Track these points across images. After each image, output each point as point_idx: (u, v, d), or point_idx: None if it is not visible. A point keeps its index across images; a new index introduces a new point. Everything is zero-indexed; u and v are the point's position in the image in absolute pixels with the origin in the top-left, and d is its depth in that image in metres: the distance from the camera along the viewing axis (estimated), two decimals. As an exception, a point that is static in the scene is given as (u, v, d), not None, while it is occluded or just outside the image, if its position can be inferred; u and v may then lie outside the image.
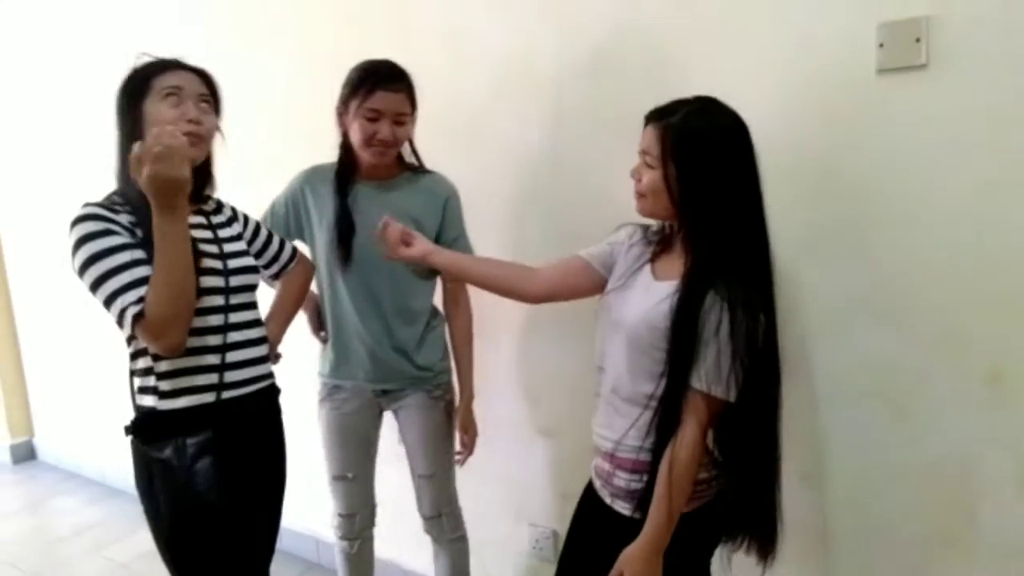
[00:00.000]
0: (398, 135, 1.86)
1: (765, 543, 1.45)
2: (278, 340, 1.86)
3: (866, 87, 1.57)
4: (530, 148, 2.10)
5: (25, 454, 4.41)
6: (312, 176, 2.01)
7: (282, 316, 1.89)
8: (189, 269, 1.43)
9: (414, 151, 2.01)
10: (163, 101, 1.50)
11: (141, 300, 1.40)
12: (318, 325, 2.10)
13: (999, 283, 1.51)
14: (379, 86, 1.81)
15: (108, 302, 1.42)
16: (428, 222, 1.96)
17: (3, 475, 4.25)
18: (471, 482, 2.42)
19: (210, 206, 1.69)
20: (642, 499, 1.41)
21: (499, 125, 2.15)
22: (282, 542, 3.00)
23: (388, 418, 2.15)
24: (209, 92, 1.59)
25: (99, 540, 3.33)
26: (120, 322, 1.42)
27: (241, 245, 1.69)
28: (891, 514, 1.70)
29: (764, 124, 1.66)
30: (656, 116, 1.37)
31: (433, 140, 2.04)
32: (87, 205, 1.47)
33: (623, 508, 1.46)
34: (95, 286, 1.42)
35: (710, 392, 1.32)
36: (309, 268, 1.95)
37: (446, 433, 2.12)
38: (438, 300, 2.13)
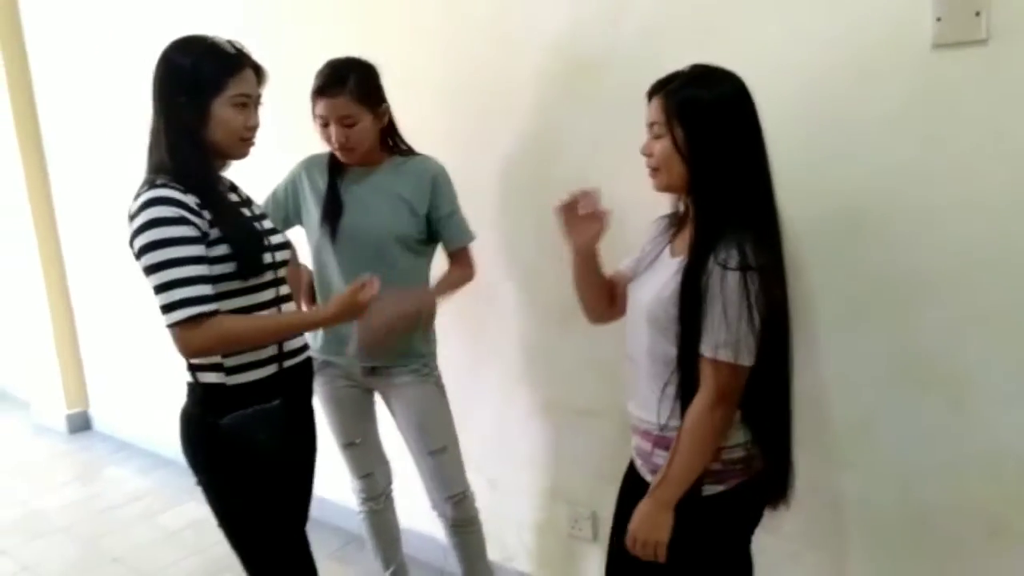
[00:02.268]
0: (350, 136, 1.90)
1: (777, 490, 1.46)
2: None
3: (921, 63, 1.52)
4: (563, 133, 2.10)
5: (80, 424, 4.55)
6: (309, 163, 2.10)
7: (297, 289, 1.98)
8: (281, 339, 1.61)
9: (395, 138, 2.05)
10: (233, 107, 1.54)
11: (190, 302, 1.44)
12: (311, 299, 2.15)
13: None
14: (319, 94, 1.88)
15: (161, 289, 1.45)
16: (418, 201, 2.00)
17: (59, 444, 4.39)
18: (508, 462, 2.45)
19: (226, 183, 1.71)
20: None
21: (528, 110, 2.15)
22: (324, 512, 3.08)
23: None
24: (259, 82, 1.62)
25: (150, 508, 3.43)
26: (165, 310, 1.45)
27: (269, 223, 1.73)
28: (939, 504, 1.66)
29: (811, 100, 1.64)
30: (656, 88, 1.39)
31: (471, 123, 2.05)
32: (155, 187, 1.48)
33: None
34: (154, 269, 1.45)
35: (716, 357, 1.31)
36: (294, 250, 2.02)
37: (444, 405, 2.15)
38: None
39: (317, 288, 2.11)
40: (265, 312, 1.61)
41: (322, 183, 2.04)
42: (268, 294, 1.63)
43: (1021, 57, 1.43)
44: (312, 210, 2.06)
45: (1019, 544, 1.58)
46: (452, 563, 2.29)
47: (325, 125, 1.90)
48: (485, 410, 2.44)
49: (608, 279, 1.65)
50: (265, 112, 1.65)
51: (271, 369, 1.63)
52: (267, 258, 1.60)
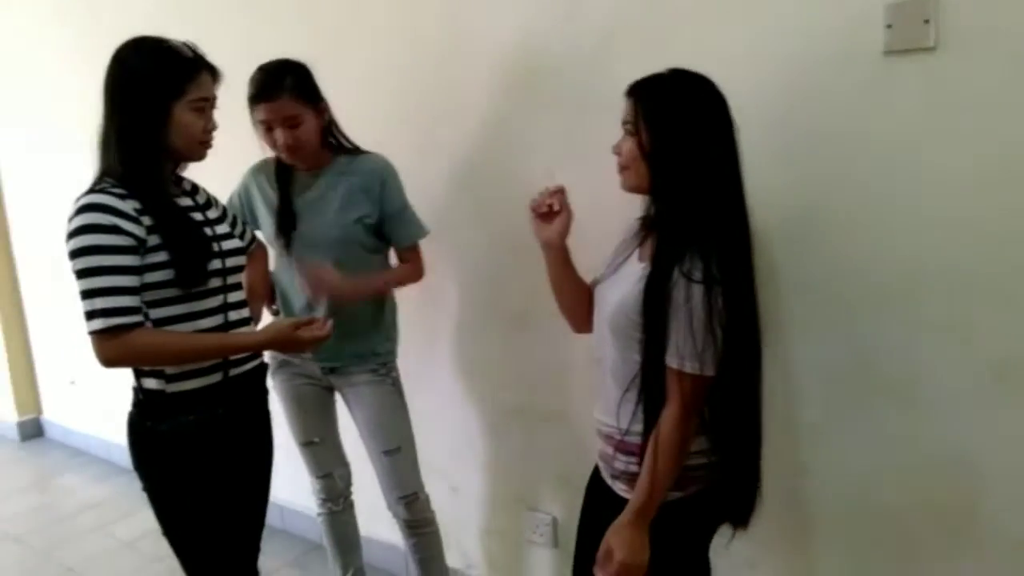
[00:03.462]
0: (298, 136, 1.88)
1: (742, 510, 1.47)
2: (259, 319, 1.90)
3: (871, 69, 1.54)
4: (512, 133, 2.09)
5: (33, 431, 4.44)
6: (258, 170, 2.08)
7: (258, 296, 1.94)
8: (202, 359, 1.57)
9: (337, 136, 2.03)
10: (193, 111, 1.52)
11: (108, 312, 1.43)
12: (270, 298, 2.13)
13: (1004, 275, 1.47)
14: (258, 99, 1.86)
15: (84, 296, 1.45)
16: (371, 199, 1.99)
17: (11, 452, 4.29)
18: (470, 467, 2.43)
19: (186, 187, 1.70)
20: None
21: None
22: (284, 522, 3.05)
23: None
24: (214, 83, 1.59)
25: (104, 518, 3.35)
26: (86, 317, 1.45)
27: (227, 227, 1.71)
28: (898, 506, 1.68)
29: (761, 105, 1.64)
30: (633, 87, 1.39)
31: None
32: (93, 193, 1.47)
33: (622, 491, 1.46)
34: (80, 275, 1.44)
35: (682, 368, 1.31)
36: (266, 250, 2.02)
37: (401, 406, 2.14)
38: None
39: (277, 290, 2.09)
40: (205, 322, 1.58)
41: (272, 191, 2.01)
42: (213, 301, 1.60)
43: (967, 64, 1.45)
44: (264, 218, 2.03)
45: (978, 545, 1.60)
46: (414, 571, 2.27)
47: (269, 130, 1.87)
48: (445, 415, 2.42)
49: (587, 285, 1.63)
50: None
51: (215, 377, 1.60)
52: (214, 264, 1.57)
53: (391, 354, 2.14)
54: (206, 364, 1.58)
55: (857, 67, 1.55)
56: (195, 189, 1.72)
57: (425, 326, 2.38)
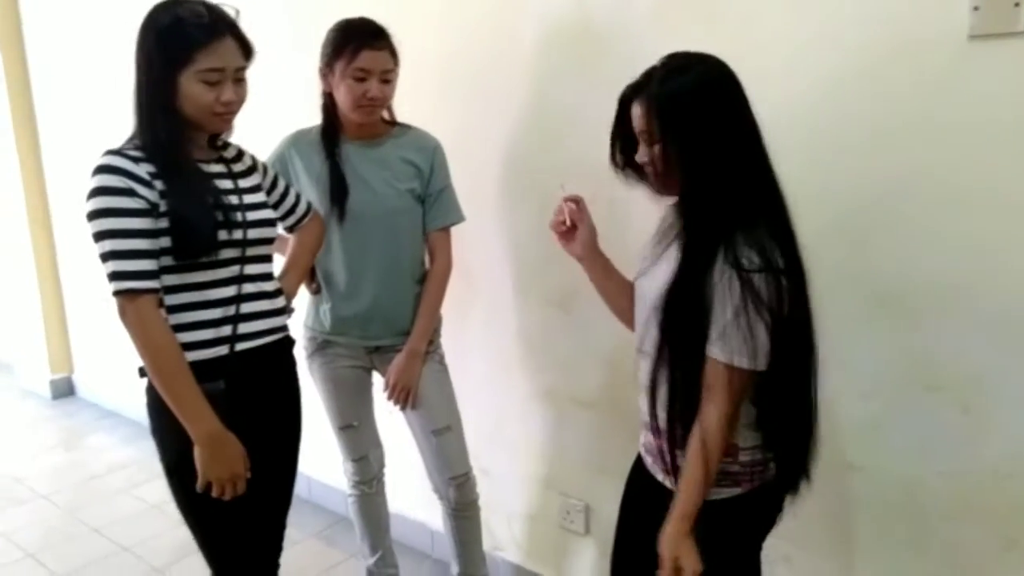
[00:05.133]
0: (386, 93, 1.88)
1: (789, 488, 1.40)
2: (294, 294, 1.82)
3: (955, 55, 1.45)
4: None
5: (64, 390, 4.48)
6: (298, 140, 2.02)
7: (298, 270, 1.85)
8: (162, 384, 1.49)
9: (390, 109, 2.00)
10: (202, 83, 1.45)
11: (123, 275, 1.42)
12: (310, 276, 2.09)
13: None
14: (364, 45, 1.82)
15: (105, 258, 1.43)
16: (420, 172, 1.98)
17: (42, 409, 4.33)
18: (501, 450, 2.40)
19: (230, 153, 1.65)
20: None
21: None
22: (311, 494, 3.04)
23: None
24: (245, 57, 1.51)
25: (132, 479, 3.37)
26: (110, 279, 1.44)
27: (260, 196, 1.65)
28: (948, 512, 1.61)
29: (831, 95, 1.57)
30: (634, 92, 1.32)
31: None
32: (109, 154, 1.45)
33: (674, 485, 1.40)
34: (99, 237, 1.42)
35: (732, 362, 1.24)
36: (321, 223, 1.92)
37: (448, 384, 2.12)
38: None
39: (320, 266, 2.04)
40: (215, 292, 1.53)
41: (317, 161, 1.96)
42: (226, 272, 1.55)
43: (1061, 52, 1.36)
44: (307, 190, 1.97)
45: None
46: (440, 549, 2.25)
47: (361, 80, 1.83)
48: (479, 397, 2.38)
49: (630, 281, 1.57)
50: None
51: (221, 350, 1.55)
52: (222, 235, 1.51)
53: (436, 332, 2.11)
54: (208, 336, 1.54)
55: (939, 53, 1.47)
56: (239, 155, 1.67)
57: (460, 307, 2.32)
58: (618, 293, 1.59)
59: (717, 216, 1.25)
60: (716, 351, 1.25)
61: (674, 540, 1.29)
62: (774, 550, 1.77)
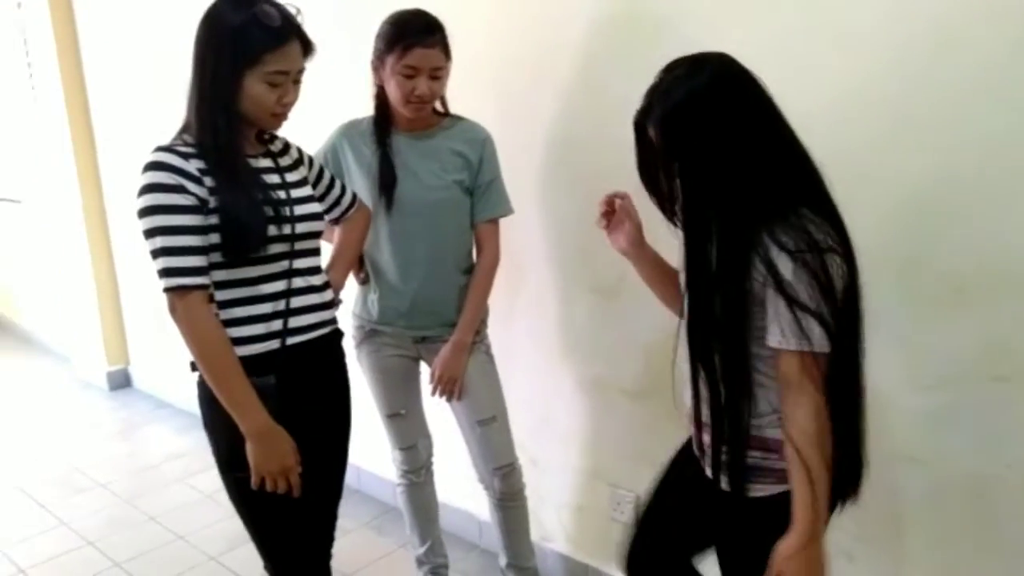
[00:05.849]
0: (435, 90, 1.86)
1: (848, 485, 1.34)
2: (341, 286, 1.83)
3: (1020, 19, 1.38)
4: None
5: (121, 381, 4.59)
6: (349, 130, 2.02)
7: (344, 262, 1.86)
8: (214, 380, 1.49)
9: (443, 99, 1.98)
10: (266, 84, 1.46)
11: (174, 272, 1.42)
12: (358, 265, 2.09)
13: None
14: (415, 42, 1.79)
15: (156, 255, 1.43)
16: (469, 164, 1.97)
17: (100, 400, 4.44)
18: (550, 441, 2.38)
19: (277, 146, 1.66)
20: (731, 471, 1.32)
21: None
22: (360, 484, 3.06)
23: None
24: (305, 57, 1.52)
25: (187, 469, 3.44)
26: (160, 276, 1.44)
27: (307, 190, 1.65)
28: (1008, 510, 1.55)
29: (886, 66, 1.51)
30: (641, 118, 1.29)
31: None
32: (160, 151, 1.46)
33: (725, 484, 1.36)
34: (150, 234, 1.43)
35: (804, 349, 1.19)
36: (368, 214, 1.92)
37: (494, 375, 2.11)
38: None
39: (368, 256, 2.05)
40: (265, 287, 1.54)
41: (368, 151, 1.96)
42: (275, 267, 1.55)
43: None
44: (358, 180, 1.98)
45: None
46: (488, 539, 2.24)
47: (410, 76, 1.81)
48: (527, 387, 2.37)
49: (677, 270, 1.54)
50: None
51: (272, 344, 1.55)
52: (272, 231, 1.51)
53: (483, 323, 2.10)
54: (261, 331, 1.54)
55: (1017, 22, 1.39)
56: (285, 148, 1.67)
57: (508, 296, 2.31)
58: (666, 285, 1.57)
59: (747, 213, 1.22)
60: (782, 341, 1.21)
61: (785, 556, 1.24)
62: (834, 545, 1.73)
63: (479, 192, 2.00)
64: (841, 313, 1.21)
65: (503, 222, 2.06)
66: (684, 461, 1.52)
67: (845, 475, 1.32)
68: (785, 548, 1.24)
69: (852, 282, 1.25)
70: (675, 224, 1.35)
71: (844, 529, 1.72)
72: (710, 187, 1.24)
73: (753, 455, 1.31)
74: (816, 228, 1.20)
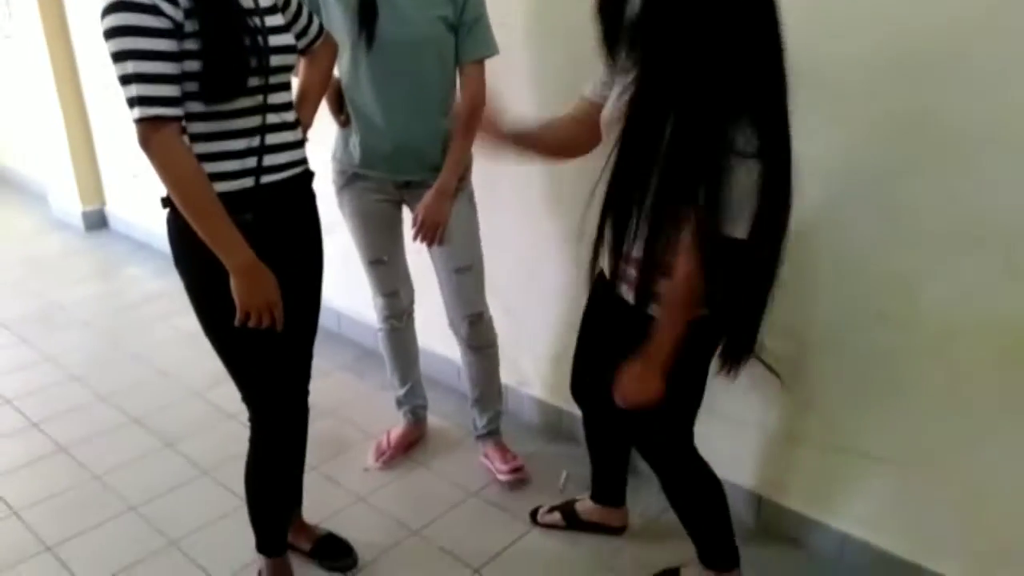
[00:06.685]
0: None
1: (736, 356, 1.54)
2: (310, 124, 1.76)
3: None
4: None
5: (97, 222, 4.54)
6: None
7: (312, 98, 1.77)
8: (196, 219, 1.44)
9: None
10: None
11: (146, 101, 1.34)
12: (338, 107, 2.02)
13: None
14: None
15: (127, 80, 1.34)
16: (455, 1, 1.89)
17: (77, 241, 4.41)
18: (529, 291, 2.41)
19: None
20: (638, 289, 1.47)
21: None
22: (341, 328, 3.10)
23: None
24: None
25: (167, 310, 3.46)
26: (131, 104, 1.36)
27: (280, 19, 1.56)
28: (983, 366, 1.60)
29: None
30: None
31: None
32: None
33: (627, 295, 1.53)
34: (120, 57, 1.33)
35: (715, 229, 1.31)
36: (334, 46, 1.81)
37: (474, 223, 2.10)
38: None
39: (348, 97, 1.98)
40: (239, 122, 1.48)
41: None
42: (250, 101, 1.48)
43: None
44: (335, 14, 1.88)
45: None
46: (467, 386, 2.29)
47: None
48: (506, 236, 2.36)
49: (567, 121, 1.66)
50: None
51: (247, 182, 1.51)
52: (252, 62, 1.44)
53: (467, 169, 2.06)
54: (235, 168, 1.49)
55: None
56: None
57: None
58: (560, 145, 1.69)
59: (709, 112, 1.27)
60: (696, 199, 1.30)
61: (626, 372, 1.48)
62: (791, 401, 1.79)
63: (463, 30, 1.90)
64: (759, 213, 1.31)
65: (488, 63, 1.98)
66: (598, 297, 1.68)
67: (742, 345, 1.53)
68: (629, 365, 1.48)
69: (782, 186, 1.34)
70: (609, 63, 1.49)
71: (807, 384, 1.78)
72: (678, 71, 1.29)
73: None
74: (753, 132, 1.27)
